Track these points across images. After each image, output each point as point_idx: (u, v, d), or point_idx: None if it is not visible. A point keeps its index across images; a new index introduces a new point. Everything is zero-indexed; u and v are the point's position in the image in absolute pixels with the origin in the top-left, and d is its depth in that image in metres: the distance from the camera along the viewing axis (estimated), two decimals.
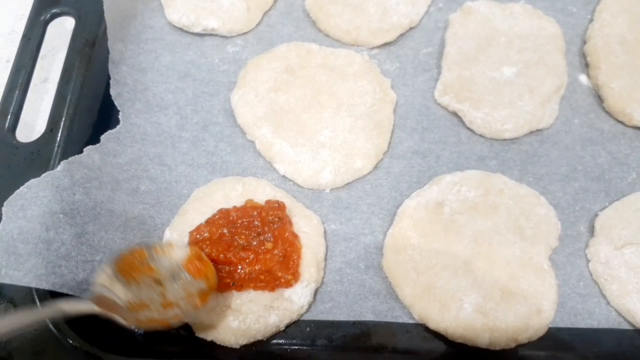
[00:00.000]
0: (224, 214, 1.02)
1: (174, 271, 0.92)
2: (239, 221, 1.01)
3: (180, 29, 1.28)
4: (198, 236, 0.99)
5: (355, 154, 1.12)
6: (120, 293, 0.88)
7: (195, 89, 1.22)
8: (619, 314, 1.00)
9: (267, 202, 1.05)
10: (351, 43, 1.27)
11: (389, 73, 1.23)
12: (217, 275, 0.94)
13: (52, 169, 1.02)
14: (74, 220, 0.98)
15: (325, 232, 1.07)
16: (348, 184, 1.12)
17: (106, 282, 0.87)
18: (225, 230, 1.00)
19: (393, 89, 1.20)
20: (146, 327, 0.94)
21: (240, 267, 0.97)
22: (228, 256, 0.97)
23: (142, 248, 0.92)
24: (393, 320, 1.00)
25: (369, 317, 1.00)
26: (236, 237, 0.99)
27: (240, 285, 0.97)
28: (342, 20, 1.26)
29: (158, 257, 0.92)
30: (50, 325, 0.94)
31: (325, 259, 1.05)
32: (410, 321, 1.00)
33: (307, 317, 1.00)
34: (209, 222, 1.01)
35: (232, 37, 1.28)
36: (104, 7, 1.15)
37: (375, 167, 1.13)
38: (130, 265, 0.90)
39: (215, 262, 0.96)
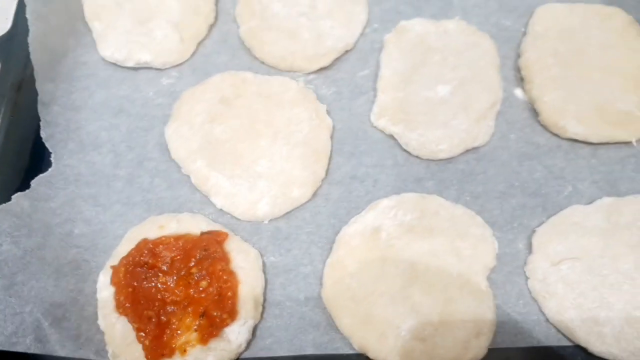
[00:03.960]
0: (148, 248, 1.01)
1: None
2: (172, 255, 1.00)
3: (114, 64, 1.26)
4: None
5: (292, 182, 1.11)
6: None
7: (129, 125, 1.20)
8: (558, 330, 1.00)
9: (209, 232, 1.04)
10: (287, 69, 1.26)
11: (326, 98, 1.23)
12: None
13: None
14: (1, 272, 0.96)
15: (264, 264, 1.06)
16: (287, 213, 1.11)
17: None
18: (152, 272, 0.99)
19: (330, 114, 1.20)
20: None
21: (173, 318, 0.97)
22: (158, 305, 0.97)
23: None
24: (334, 352, 0.99)
25: (309, 350, 0.99)
26: (167, 278, 0.98)
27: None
28: (277, 47, 1.26)
29: None
30: None
31: (265, 293, 1.03)
32: (351, 352, 0.99)
33: (246, 354, 0.99)
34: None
35: (166, 69, 1.27)
36: (30, 48, 1.13)
37: (314, 195, 1.13)
38: None
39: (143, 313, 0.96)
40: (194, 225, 1.06)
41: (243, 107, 1.19)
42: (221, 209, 1.11)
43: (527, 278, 1.04)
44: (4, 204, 1.01)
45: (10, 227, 1.00)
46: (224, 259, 1.01)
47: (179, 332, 0.96)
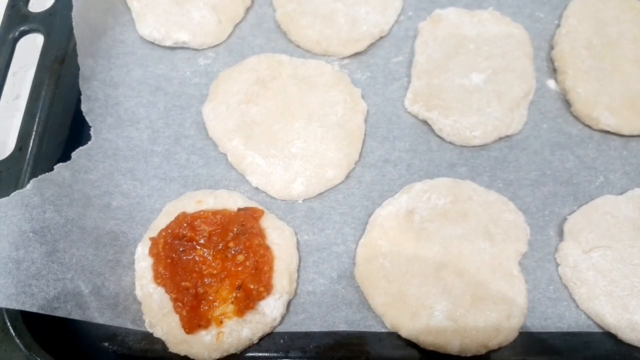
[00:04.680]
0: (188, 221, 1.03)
1: None
2: (210, 229, 1.02)
3: (152, 43, 1.28)
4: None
5: (326, 164, 1.13)
6: None
7: (166, 103, 1.22)
8: (588, 317, 1.01)
9: (245, 208, 1.06)
10: (322, 53, 1.27)
11: (360, 82, 1.24)
12: None
13: (22, 187, 1.01)
14: (44, 238, 0.98)
15: (298, 242, 1.07)
16: (321, 194, 1.13)
17: None
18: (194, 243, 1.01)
19: (364, 99, 1.21)
20: None
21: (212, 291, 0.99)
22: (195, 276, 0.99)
23: None
24: (366, 330, 1.01)
25: (341, 327, 1.01)
26: (205, 251, 1.00)
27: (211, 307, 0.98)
28: (313, 31, 1.27)
29: None
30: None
31: (298, 270, 1.05)
32: (383, 330, 1.01)
33: (280, 329, 1.01)
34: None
35: (203, 49, 1.28)
36: (73, 23, 1.15)
37: (347, 177, 1.14)
38: None
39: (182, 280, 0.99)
40: (230, 201, 1.08)
41: (278, 88, 1.20)
42: (256, 188, 1.13)
43: (557, 265, 1.05)
44: (47, 174, 1.02)
45: (53, 196, 1.02)
46: (260, 234, 1.03)
47: (215, 303, 0.98)
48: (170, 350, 0.98)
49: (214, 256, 1.00)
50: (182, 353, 0.97)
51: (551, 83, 1.24)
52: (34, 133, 1.11)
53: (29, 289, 0.93)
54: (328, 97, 1.19)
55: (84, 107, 1.14)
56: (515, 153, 1.16)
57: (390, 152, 1.16)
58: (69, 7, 1.16)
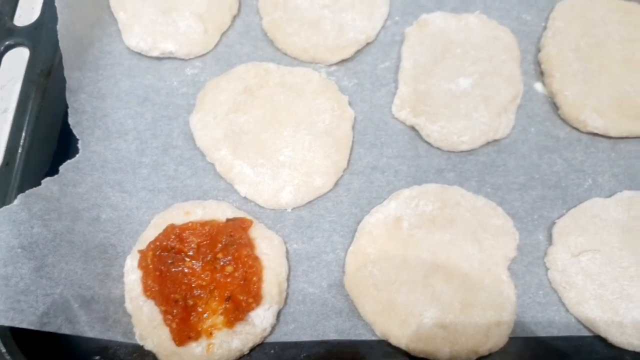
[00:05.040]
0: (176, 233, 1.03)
1: None
2: (198, 240, 1.02)
3: (139, 54, 1.28)
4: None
5: (314, 172, 1.13)
6: None
7: (154, 113, 1.22)
8: (578, 321, 1.01)
9: (234, 219, 1.06)
10: (309, 61, 1.27)
11: (347, 89, 1.24)
12: None
13: (9, 203, 1.01)
14: (32, 254, 0.98)
15: (287, 252, 1.07)
16: (309, 202, 1.13)
17: None
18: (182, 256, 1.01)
19: (351, 106, 1.21)
20: None
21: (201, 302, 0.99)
22: (184, 288, 0.99)
23: None
24: (356, 338, 1.01)
25: (332, 336, 1.01)
26: (193, 262, 1.00)
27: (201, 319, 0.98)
28: (299, 39, 1.27)
29: None
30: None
31: (288, 280, 1.05)
32: (373, 338, 1.01)
33: (270, 339, 1.01)
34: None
35: (190, 59, 1.28)
36: (59, 36, 1.14)
37: (336, 184, 1.14)
38: None
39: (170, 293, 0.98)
40: (219, 212, 1.08)
41: (266, 97, 1.20)
42: (245, 197, 1.13)
43: (547, 269, 1.05)
44: (34, 188, 1.02)
45: (41, 211, 1.02)
46: (249, 245, 1.03)
47: (205, 315, 0.98)
48: None
49: (203, 268, 1.00)
50: None
51: (538, 86, 1.24)
52: (20, 148, 1.11)
53: (18, 305, 0.94)
54: (315, 104, 1.19)
55: (71, 120, 1.14)
56: (503, 157, 1.16)
57: (378, 159, 1.16)
58: (55, 20, 1.15)
